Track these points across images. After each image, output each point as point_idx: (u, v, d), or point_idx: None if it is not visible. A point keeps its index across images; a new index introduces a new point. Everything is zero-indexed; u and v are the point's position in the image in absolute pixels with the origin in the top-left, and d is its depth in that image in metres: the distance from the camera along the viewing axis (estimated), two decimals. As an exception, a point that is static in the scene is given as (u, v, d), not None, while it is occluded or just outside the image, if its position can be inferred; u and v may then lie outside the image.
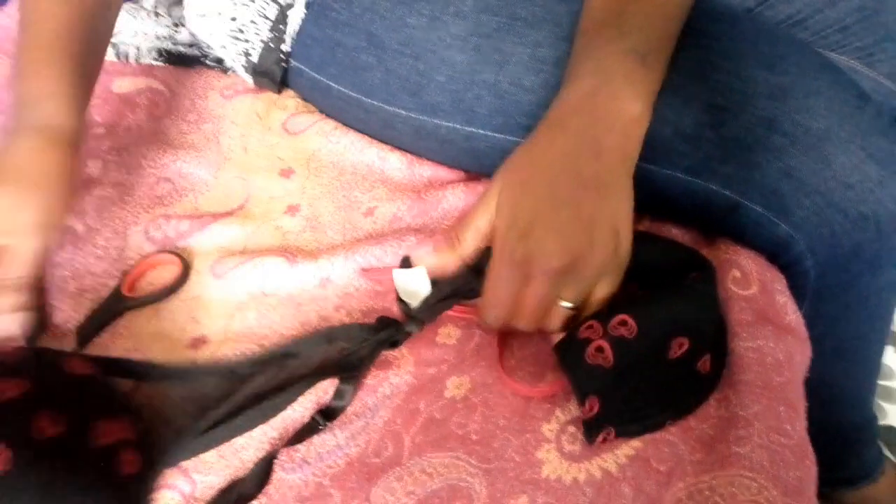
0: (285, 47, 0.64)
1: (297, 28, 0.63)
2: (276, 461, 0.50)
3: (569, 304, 0.48)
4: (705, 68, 0.54)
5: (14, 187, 0.51)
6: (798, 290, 0.58)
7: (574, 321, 0.50)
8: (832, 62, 0.58)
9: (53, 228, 0.53)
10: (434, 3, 0.58)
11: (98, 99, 0.72)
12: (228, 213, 0.64)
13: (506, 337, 0.55)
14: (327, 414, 0.52)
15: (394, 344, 0.53)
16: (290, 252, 0.60)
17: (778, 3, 0.68)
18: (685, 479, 0.49)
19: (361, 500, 0.48)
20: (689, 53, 0.55)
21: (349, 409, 0.53)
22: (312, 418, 0.52)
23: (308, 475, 0.50)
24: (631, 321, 0.48)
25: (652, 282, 0.52)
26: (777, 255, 0.58)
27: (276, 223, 0.63)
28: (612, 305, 0.50)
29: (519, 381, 0.53)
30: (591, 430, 0.49)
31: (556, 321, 0.50)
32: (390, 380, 0.53)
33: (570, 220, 0.47)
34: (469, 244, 0.50)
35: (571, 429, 0.51)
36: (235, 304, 0.58)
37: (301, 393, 0.52)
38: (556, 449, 0.50)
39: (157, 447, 0.49)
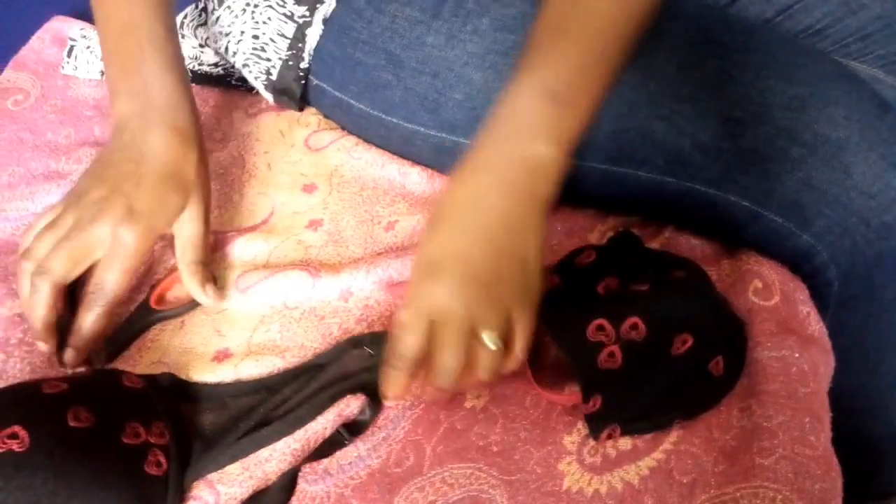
0: (304, 65, 0.65)
1: (314, 45, 0.64)
2: (299, 474, 0.51)
3: (492, 337, 0.47)
4: (723, 80, 0.55)
5: (170, 182, 0.56)
6: (821, 301, 0.57)
7: (505, 364, 0.49)
8: (851, 71, 0.58)
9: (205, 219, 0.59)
10: (452, 22, 0.59)
11: (126, 118, 0.73)
12: (252, 228, 0.65)
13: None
14: (352, 429, 0.52)
15: None
16: (312, 266, 0.61)
17: (797, 14, 0.68)
18: (708, 490, 0.48)
19: (383, 511, 0.48)
20: (706, 65, 0.55)
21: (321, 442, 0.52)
22: (338, 432, 0.52)
23: (330, 486, 0.50)
24: (641, 324, 0.49)
25: (642, 279, 0.53)
26: (799, 265, 0.57)
27: (298, 238, 0.64)
28: (622, 305, 0.50)
29: (549, 389, 0.53)
30: (595, 424, 0.49)
31: (486, 361, 0.48)
32: (412, 391, 0.54)
33: (479, 253, 0.47)
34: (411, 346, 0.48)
35: (593, 441, 0.51)
36: (259, 318, 0.59)
37: (327, 406, 0.52)
38: (577, 461, 0.50)
39: (187, 456, 0.50)
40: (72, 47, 0.77)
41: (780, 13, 0.69)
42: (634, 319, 0.49)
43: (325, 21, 0.63)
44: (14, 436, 0.43)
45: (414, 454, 0.51)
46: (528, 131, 0.48)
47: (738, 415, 0.51)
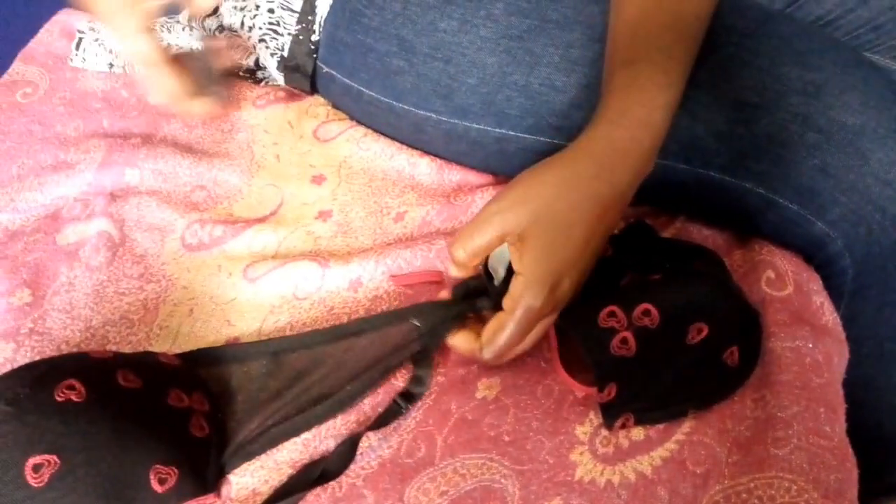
0: (315, 38, 0.65)
1: (325, 16, 0.64)
2: (264, 473, 0.51)
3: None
4: (737, 65, 0.54)
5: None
6: (835, 290, 0.57)
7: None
8: (866, 58, 0.57)
9: None
10: (465, 6, 0.59)
11: (134, 111, 0.73)
12: (262, 219, 0.65)
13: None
14: (408, 398, 0.52)
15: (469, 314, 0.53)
16: (321, 256, 0.61)
17: (808, 4, 0.68)
18: (722, 481, 0.48)
19: (395, 501, 0.48)
20: (721, 51, 0.54)
21: (381, 412, 0.53)
22: (395, 402, 0.52)
23: (342, 477, 0.50)
24: (654, 310, 0.48)
25: (657, 269, 0.53)
26: (813, 254, 0.57)
27: (307, 228, 0.64)
28: (633, 293, 0.50)
29: (576, 379, 0.52)
30: (609, 413, 0.49)
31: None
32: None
33: (589, 261, 0.49)
34: (467, 262, 0.50)
35: (605, 431, 0.50)
36: (269, 308, 0.59)
37: (379, 381, 0.53)
38: (589, 451, 0.50)
39: (228, 421, 0.52)
40: (80, 39, 0.77)
41: (790, 3, 0.68)
42: (646, 306, 0.49)
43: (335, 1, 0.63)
44: (72, 387, 0.44)
45: (425, 445, 0.51)
46: (642, 138, 0.49)
47: (752, 405, 0.51)
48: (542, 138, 0.59)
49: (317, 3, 0.64)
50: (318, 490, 0.49)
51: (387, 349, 0.54)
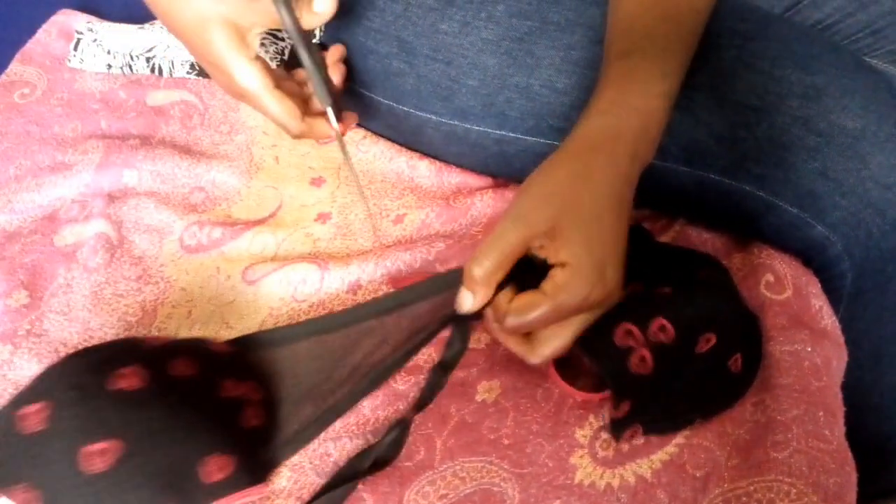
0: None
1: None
2: (310, 465, 0.50)
3: None
4: (738, 69, 0.54)
5: None
6: (834, 293, 0.57)
7: None
8: (867, 63, 0.57)
9: None
10: (466, 8, 0.59)
11: (132, 112, 0.73)
12: (260, 221, 0.65)
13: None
14: (445, 365, 0.52)
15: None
16: (320, 259, 0.61)
17: (806, 9, 0.68)
18: (722, 484, 0.48)
19: (394, 504, 0.48)
20: (721, 54, 0.54)
21: (381, 415, 0.52)
22: (431, 374, 0.52)
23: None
24: (669, 326, 0.48)
25: (663, 279, 0.52)
26: (812, 257, 0.57)
27: (306, 231, 0.64)
28: (647, 307, 0.49)
29: (574, 385, 0.52)
30: (618, 427, 0.48)
31: None
32: (421, 384, 0.53)
33: (623, 250, 0.47)
34: (489, 278, 0.47)
35: (605, 434, 0.50)
36: (267, 310, 0.59)
37: (418, 349, 0.53)
38: (589, 454, 0.50)
39: (279, 408, 0.52)
40: (78, 40, 0.77)
41: (789, 8, 0.68)
42: (662, 321, 0.48)
43: None
44: (130, 375, 0.45)
45: (425, 448, 0.51)
46: (643, 131, 0.48)
47: (752, 409, 0.51)
48: (542, 140, 0.59)
49: None
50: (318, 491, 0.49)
51: (427, 318, 0.54)
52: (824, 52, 0.55)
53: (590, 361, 0.48)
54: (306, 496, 0.49)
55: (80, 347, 0.57)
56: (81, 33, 0.77)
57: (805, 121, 0.53)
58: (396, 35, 0.61)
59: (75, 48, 0.77)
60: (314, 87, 0.54)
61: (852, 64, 0.55)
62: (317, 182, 0.67)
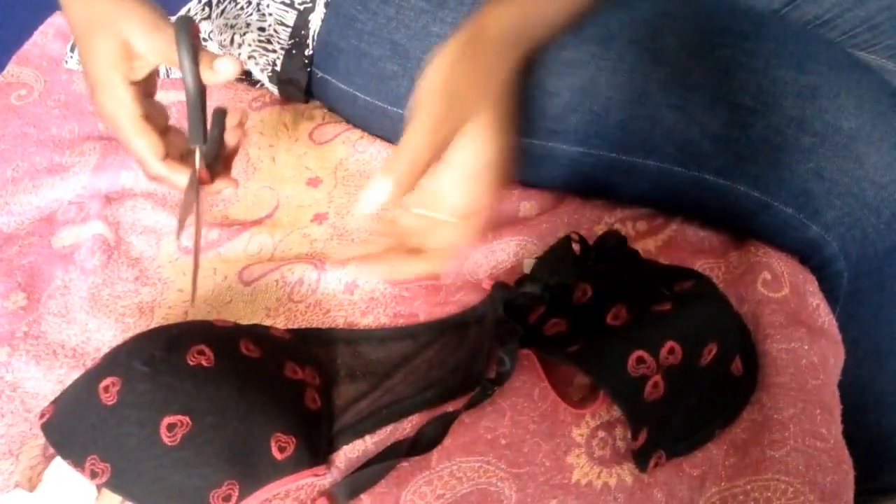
0: (308, 52, 0.65)
1: (317, 29, 0.64)
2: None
3: None
4: (733, 68, 0.54)
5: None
6: (831, 292, 0.57)
7: None
8: (862, 61, 0.57)
9: None
10: (458, 11, 0.59)
11: (130, 112, 0.73)
12: (257, 222, 0.65)
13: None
14: (496, 380, 0.52)
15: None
16: (317, 259, 0.61)
17: (805, 4, 0.68)
18: (719, 483, 0.48)
19: (391, 505, 0.48)
20: (716, 54, 0.54)
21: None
22: (483, 385, 0.52)
23: (338, 480, 0.50)
24: (677, 347, 0.47)
25: (653, 297, 0.51)
26: (809, 256, 0.57)
27: (303, 231, 0.64)
28: (654, 330, 0.48)
29: (571, 400, 0.52)
30: (642, 458, 0.48)
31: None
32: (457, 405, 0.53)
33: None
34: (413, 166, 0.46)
35: (602, 433, 0.50)
36: (264, 311, 0.59)
37: (479, 369, 0.53)
38: (586, 454, 0.50)
39: (336, 398, 0.52)
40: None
41: (787, 3, 0.68)
42: (671, 344, 0.47)
43: (328, 5, 0.63)
44: (202, 352, 0.46)
45: (422, 447, 0.51)
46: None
47: (748, 407, 0.51)
48: (535, 141, 0.59)
49: (310, 18, 0.64)
50: (315, 494, 0.49)
51: (482, 336, 0.55)
52: (819, 51, 0.55)
53: (609, 395, 0.48)
54: (304, 496, 0.49)
55: (79, 349, 0.57)
56: (78, 34, 0.77)
57: (800, 121, 0.53)
58: (389, 38, 0.61)
59: (72, 49, 0.77)
60: (189, 124, 0.53)
61: (847, 63, 0.55)
62: (313, 182, 0.67)
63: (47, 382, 0.55)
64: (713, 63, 0.54)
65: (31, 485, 0.50)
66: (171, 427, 0.44)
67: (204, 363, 0.46)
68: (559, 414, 0.52)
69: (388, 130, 0.67)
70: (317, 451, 0.49)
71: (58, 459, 0.49)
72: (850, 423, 0.51)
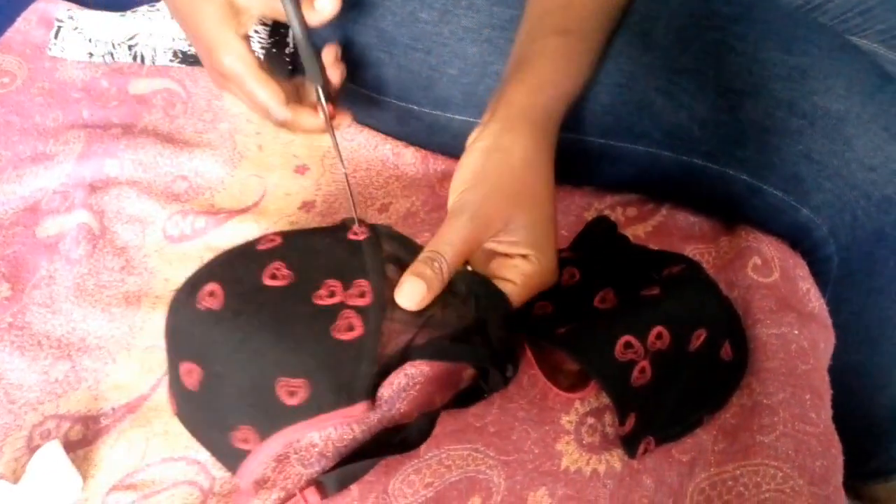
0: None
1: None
2: (296, 456, 0.50)
3: None
4: (722, 51, 0.54)
5: None
6: (821, 276, 0.57)
7: None
8: (852, 43, 0.57)
9: None
10: None
11: (114, 100, 0.72)
12: (244, 210, 0.64)
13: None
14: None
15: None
16: (305, 247, 0.60)
17: (796, -12, 0.67)
18: (708, 469, 0.48)
19: (379, 493, 0.48)
20: (705, 37, 0.54)
21: (387, 412, 0.52)
22: (478, 384, 0.51)
23: (326, 469, 0.49)
24: (665, 332, 0.47)
25: (643, 280, 0.51)
26: (798, 240, 0.57)
27: (291, 219, 0.63)
28: (643, 314, 0.48)
29: (560, 385, 0.52)
30: (630, 444, 0.47)
31: None
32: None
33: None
34: (456, 264, 0.45)
35: (591, 420, 0.50)
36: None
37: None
38: (575, 441, 0.49)
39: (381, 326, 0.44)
40: (59, 28, 0.76)
41: (779, -13, 0.68)
42: (659, 329, 0.47)
43: None
44: (213, 293, 0.43)
45: (410, 435, 0.50)
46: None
47: (738, 392, 0.51)
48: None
49: None
50: (303, 483, 0.49)
51: None
52: (808, 33, 0.55)
53: (596, 380, 0.47)
54: (291, 486, 0.48)
55: (64, 340, 0.56)
56: (62, 21, 0.76)
57: (789, 103, 0.52)
58: (375, 25, 0.60)
59: (56, 36, 0.76)
60: (305, 65, 0.53)
61: (836, 45, 0.55)
62: (301, 170, 0.67)
63: (32, 373, 0.55)
64: (701, 46, 0.54)
65: (15, 476, 0.49)
66: (188, 372, 0.43)
67: (212, 306, 0.43)
68: (548, 401, 0.51)
69: (375, 118, 0.67)
70: (346, 389, 0.42)
71: (41, 451, 0.48)
72: (840, 407, 0.51)
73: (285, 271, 0.44)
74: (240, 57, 0.53)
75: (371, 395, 0.42)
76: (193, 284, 0.45)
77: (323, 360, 0.42)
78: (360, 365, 0.42)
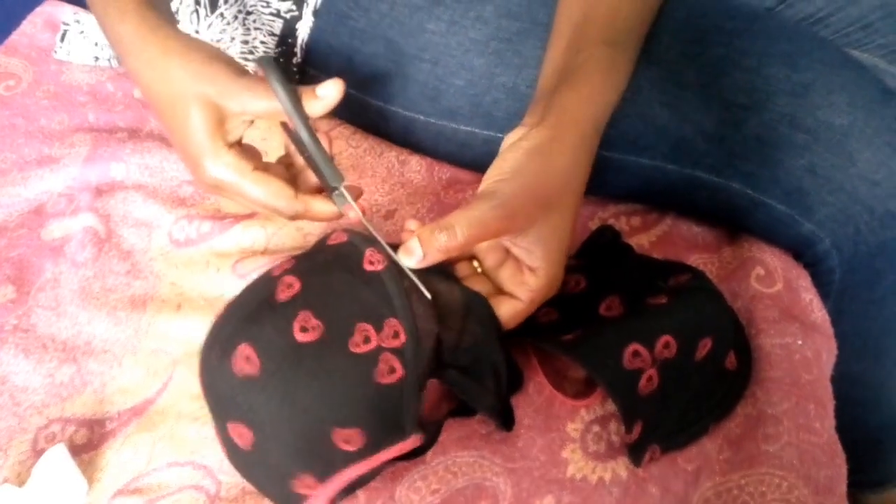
0: (296, 60, 0.64)
1: (306, 38, 0.63)
2: None
3: None
4: (726, 66, 0.54)
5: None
6: (823, 288, 0.57)
7: None
8: (854, 58, 0.58)
9: None
10: (454, 8, 0.58)
11: (120, 105, 0.72)
12: (250, 215, 0.64)
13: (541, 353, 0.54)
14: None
15: None
16: (311, 253, 0.61)
17: (798, 2, 0.68)
18: (713, 478, 0.48)
19: (386, 499, 0.48)
20: (709, 52, 0.54)
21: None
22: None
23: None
24: (672, 341, 0.47)
25: (648, 290, 0.51)
26: (801, 253, 0.57)
27: (297, 224, 0.63)
28: (650, 323, 0.48)
29: (566, 392, 0.52)
30: (636, 451, 0.48)
31: None
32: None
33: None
34: (468, 242, 0.44)
35: (596, 428, 0.51)
36: (258, 305, 0.58)
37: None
38: (581, 448, 0.50)
39: (423, 354, 0.45)
40: (65, 32, 0.76)
41: (780, 2, 0.69)
42: (667, 338, 0.47)
43: (316, 13, 0.62)
44: (248, 358, 0.43)
45: (416, 442, 0.51)
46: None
47: (743, 402, 0.51)
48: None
49: (297, 26, 0.63)
50: (309, 488, 0.49)
51: None
52: (811, 48, 0.55)
53: (603, 387, 0.48)
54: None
55: (69, 343, 0.56)
56: (68, 24, 0.76)
57: (792, 118, 0.53)
58: (382, 35, 0.60)
59: (62, 39, 0.76)
60: (321, 168, 0.49)
61: (839, 60, 0.55)
62: (307, 176, 0.67)
63: (37, 376, 0.54)
64: (706, 61, 0.54)
65: (20, 480, 0.49)
66: (238, 434, 0.44)
67: (252, 372, 0.43)
68: (554, 409, 0.52)
69: (381, 127, 0.67)
70: (399, 426, 0.44)
71: (46, 454, 0.48)
72: (842, 417, 0.51)
73: (314, 321, 0.44)
74: (229, 165, 0.49)
75: (419, 425, 0.44)
76: (224, 347, 0.44)
77: (372, 407, 0.43)
78: (407, 403, 0.44)
